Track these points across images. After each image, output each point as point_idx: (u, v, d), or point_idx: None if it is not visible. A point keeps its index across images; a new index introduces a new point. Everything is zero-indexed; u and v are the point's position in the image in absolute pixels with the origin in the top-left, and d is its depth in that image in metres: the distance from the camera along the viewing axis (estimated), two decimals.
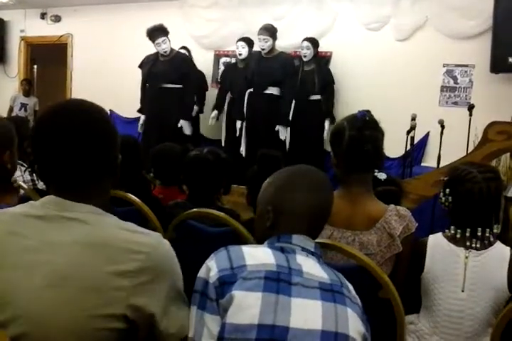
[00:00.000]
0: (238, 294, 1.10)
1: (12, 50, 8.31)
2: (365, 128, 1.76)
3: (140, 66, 5.86)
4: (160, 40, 5.46)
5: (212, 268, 1.15)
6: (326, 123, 5.46)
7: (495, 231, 1.81)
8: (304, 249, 1.25)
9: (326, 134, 5.44)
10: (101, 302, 1.03)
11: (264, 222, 1.32)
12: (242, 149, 5.59)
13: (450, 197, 1.84)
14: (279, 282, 1.13)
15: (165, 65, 5.58)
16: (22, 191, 2.43)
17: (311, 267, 1.20)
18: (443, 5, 5.39)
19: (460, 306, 1.74)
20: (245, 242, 1.85)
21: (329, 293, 1.16)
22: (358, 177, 1.79)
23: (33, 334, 1.04)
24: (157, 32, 5.45)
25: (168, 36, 5.54)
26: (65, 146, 1.10)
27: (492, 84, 5.27)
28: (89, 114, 1.15)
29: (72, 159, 1.11)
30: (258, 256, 1.19)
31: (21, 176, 2.57)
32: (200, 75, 6.16)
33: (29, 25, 8.02)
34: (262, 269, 1.14)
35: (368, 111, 1.80)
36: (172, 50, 5.66)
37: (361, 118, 1.77)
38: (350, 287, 1.24)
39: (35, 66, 8.17)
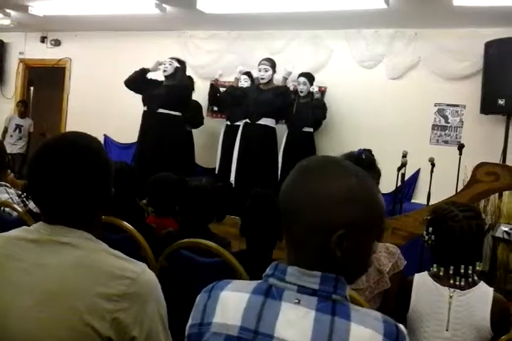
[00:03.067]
0: None
1: (10, 71, 8.35)
2: (360, 166, 1.79)
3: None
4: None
5: (193, 312, 1.04)
6: None
7: (477, 268, 1.84)
8: (301, 289, 0.93)
9: None
10: (87, 322, 1.05)
11: None
12: (232, 179, 5.59)
13: (433, 236, 1.88)
14: None
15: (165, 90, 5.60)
16: (15, 213, 2.44)
17: (292, 325, 0.91)
18: (435, 46, 5.56)
19: None
20: (235, 272, 1.88)
21: None
22: None
23: None
24: None
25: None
26: (60, 180, 1.15)
27: (482, 125, 5.38)
28: (86, 150, 1.20)
29: (67, 192, 1.16)
30: (228, 310, 0.97)
31: (10, 199, 2.57)
32: (197, 105, 6.22)
33: (29, 48, 8.08)
34: (223, 332, 0.95)
35: (368, 150, 1.84)
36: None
37: (357, 156, 1.82)
38: None
39: (32, 88, 8.21)
